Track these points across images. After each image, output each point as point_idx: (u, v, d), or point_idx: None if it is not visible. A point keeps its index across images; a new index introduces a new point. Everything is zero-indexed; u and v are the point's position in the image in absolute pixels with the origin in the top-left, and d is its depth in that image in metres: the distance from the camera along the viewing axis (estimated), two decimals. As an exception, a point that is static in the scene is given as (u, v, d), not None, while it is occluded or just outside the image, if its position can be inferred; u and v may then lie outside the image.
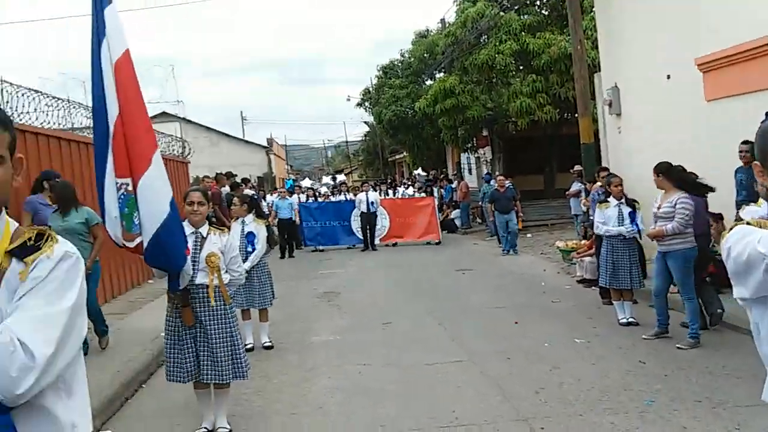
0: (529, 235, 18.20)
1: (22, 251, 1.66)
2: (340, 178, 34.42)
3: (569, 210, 16.30)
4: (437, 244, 18.51)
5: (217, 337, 4.93)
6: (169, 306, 5.04)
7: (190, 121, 36.54)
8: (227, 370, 4.96)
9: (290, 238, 18.14)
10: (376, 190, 20.88)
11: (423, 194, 21.14)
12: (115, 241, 4.60)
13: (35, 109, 8.87)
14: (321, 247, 18.77)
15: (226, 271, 5.16)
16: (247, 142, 42.73)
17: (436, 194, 22.14)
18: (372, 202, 18.21)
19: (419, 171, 29.28)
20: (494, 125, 23.43)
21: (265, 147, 42.94)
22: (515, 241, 15.85)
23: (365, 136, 50.95)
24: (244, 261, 7.49)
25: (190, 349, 4.95)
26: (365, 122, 47.67)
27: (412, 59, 31.32)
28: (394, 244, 18.77)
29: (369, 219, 18.21)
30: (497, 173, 20.21)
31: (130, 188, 4.48)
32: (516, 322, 8.41)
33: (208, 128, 39.44)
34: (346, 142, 67.03)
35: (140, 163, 4.45)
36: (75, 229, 6.80)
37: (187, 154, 18.04)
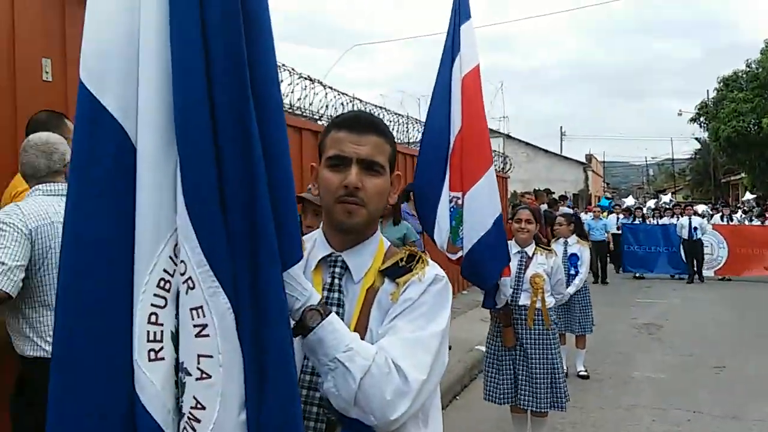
0: None
1: (395, 272, 1.66)
2: (665, 198, 32.08)
3: None
4: None
5: (538, 362, 4.77)
6: (491, 324, 5.02)
7: (509, 136, 37.11)
8: (545, 399, 4.76)
9: (602, 262, 16.46)
10: (704, 216, 18.75)
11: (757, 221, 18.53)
12: (440, 249, 4.71)
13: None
14: (641, 274, 17.18)
15: (551, 294, 4.98)
16: (564, 157, 42.07)
17: None
18: (695, 228, 16.26)
19: (747, 196, 25.97)
20: None
21: (582, 163, 41.84)
22: None
23: (695, 154, 46.92)
24: (567, 285, 7.26)
25: (509, 371, 4.86)
26: (696, 139, 43.92)
27: (761, 70, 27.95)
28: (728, 279, 16.32)
29: (693, 247, 16.26)
30: None
31: (460, 202, 4.56)
32: None
33: (526, 143, 39.65)
34: (672, 159, 62.54)
35: (472, 178, 4.51)
36: (392, 243, 6.68)
37: (508, 169, 18.27)
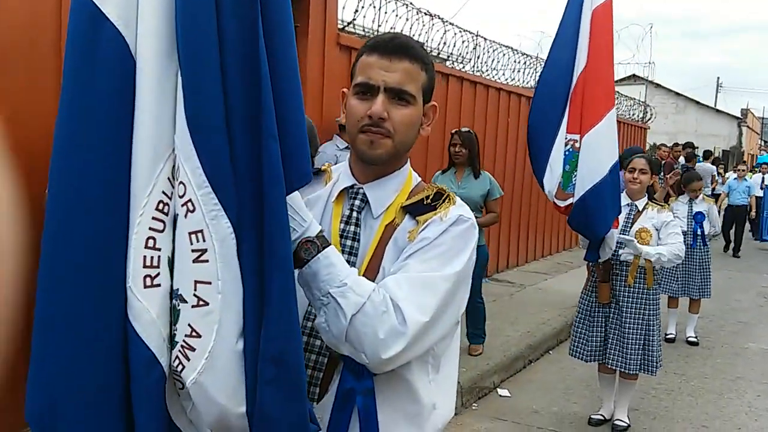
0: None
1: (417, 209, 1.57)
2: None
3: None
4: None
5: (632, 322, 4.51)
6: (588, 278, 4.79)
7: (658, 85, 34.88)
8: (635, 361, 4.51)
9: (738, 231, 13.48)
10: None
11: None
12: (547, 195, 4.49)
13: (504, 65, 9.28)
14: None
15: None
16: (717, 111, 39.11)
17: None
18: None
19: None
20: None
21: (737, 118, 38.76)
22: None
23: None
24: (693, 245, 6.83)
25: (600, 328, 4.64)
26: None
27: None
28: None
29: None
30: None
31: (577, 145, 4.31)
32: None
33: (676, 93, 37.22)
34: None
35: (592, 119, 4.25)
36: (472, 200, 5.25)
37: (648, 119, 17.16)
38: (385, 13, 6.89)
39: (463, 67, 8.45)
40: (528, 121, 4.59)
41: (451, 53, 8.29)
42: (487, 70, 8.92)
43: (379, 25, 6.83)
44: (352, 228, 1.58)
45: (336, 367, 1.51)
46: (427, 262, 1.47)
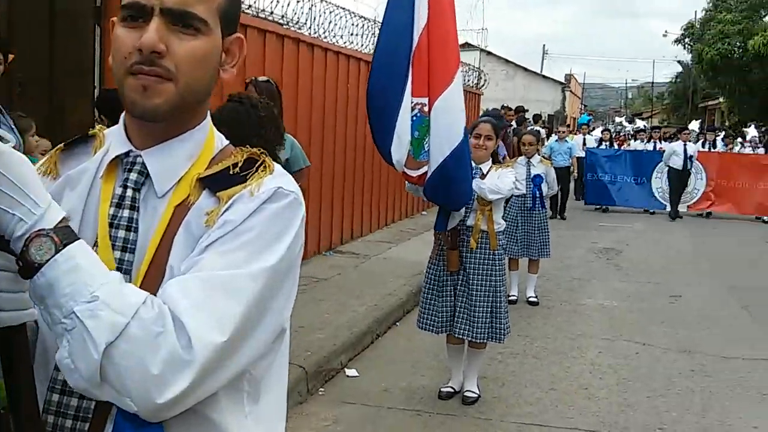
0: None
1: (220, 181, 1.09)
2: (640, 123, 31.48)
3: None
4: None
5: (479, 289, 4.36)
6: (435, 246, 4.57)
7: (489, 53, 36.11)
8: (483, 329, 4.38)
9: (562, 193, 12.85)
10: (699, 141, 16.00)
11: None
12: (395, 166, 4.16)
13: (342, 28, 8.85)
14: (605, 206, 15.04)
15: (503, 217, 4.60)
16: (543, 77, 41.33)
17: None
18: (691, 157, 14.02)
19: (752, 132, 24.03)
20: None
21: (561, 83, 41.18)
22: None
23: (676, 77, 46.23)
24: (532, 207, 6.88)
25: (449, 298, 4.45)
26: (679, 62, 43.20)
27: (753, -9, 27.11)
28: (708, 214, 14.59)
29: (682, 179, 14.09)
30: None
31: (426, 108, 4.01)
32: None
33: (506, 60, 38.81)
34: (652, 83, 61.89)
35: (441, 81, 3.96)
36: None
37: (482, 85, 17.50)
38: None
39: (299, 29, 7.96)
40: (367, 86, 4.22)
41: (285, 14, 7.78)
42: (324, 33, 8.49)
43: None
44: (126, 213, 1.09)
45: (108, 412, 1.02)
46: (229, 256, 1.01)
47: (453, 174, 4.00)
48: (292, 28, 7.90)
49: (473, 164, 4.45)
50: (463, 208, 4.32)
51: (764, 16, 26.29)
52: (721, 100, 33.79)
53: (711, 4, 29.39)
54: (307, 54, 7.89)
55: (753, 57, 22.41)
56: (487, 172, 4.48)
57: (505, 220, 6.94)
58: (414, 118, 4.05)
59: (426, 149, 4.04)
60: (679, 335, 6.06)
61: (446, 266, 4.43)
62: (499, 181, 4.42)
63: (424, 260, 4.64)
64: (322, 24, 8.44)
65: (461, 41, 32.30)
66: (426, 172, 4.05)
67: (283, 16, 7.72)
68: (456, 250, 4.40)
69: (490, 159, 4.57)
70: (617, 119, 34.02)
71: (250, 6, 7.09)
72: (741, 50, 24.97)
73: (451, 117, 3.98)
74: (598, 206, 15.05)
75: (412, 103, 4.04)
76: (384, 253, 8.68)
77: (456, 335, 4.45)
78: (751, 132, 18.54)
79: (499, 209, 4.62)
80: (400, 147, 4.05)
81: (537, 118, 17.46)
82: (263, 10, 7.42)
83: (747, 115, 28.03)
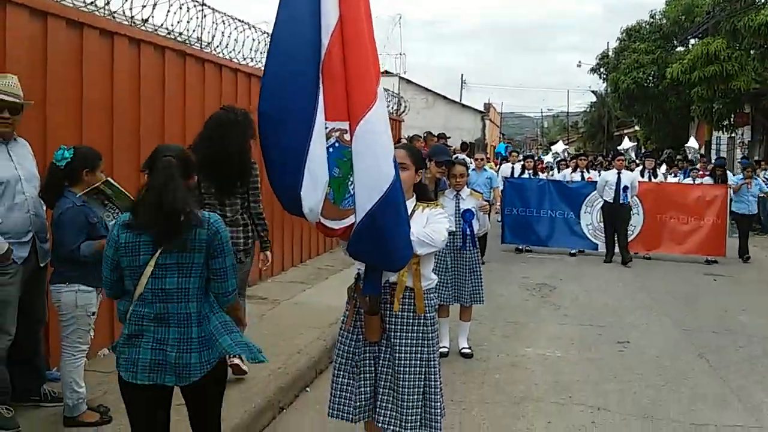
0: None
1: None
2: (557, 147, 31.41)
3: None
4: (714, 262, 11.82)
5: (407, 364, 3.36)
6: (349, 310, 3.52)
7: (409, 81, 35.69)
8: (413, 418, 3.35)
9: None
10: (633, 170, 13.22)
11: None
12: (306, 216, 3.00)
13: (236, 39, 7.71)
14: (528, 247, 12.69)
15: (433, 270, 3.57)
16: (463, 105, 41.29)
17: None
18: (626, 187, 11.54)
19: (626, 143, 23.63)
20: (762, 101, 19.45)
21: (481, 112, 41.23)
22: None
23: (591, 106, 47.22)
24: (462, 246, 5.96)
25: (368, 375, 3.42)
26: (593, 91, 44.16)
27: (664, 21, 27.73)
28: (647, 257, 12.16)
29: (619, 214, 11.59)
30: (757, 158, 16.69)
31: (347, 137, 2.94)
32: (814, 368, 5.99)
33: (426, 89, 38.52)
34: (567, 112, 63.37)
35: (363, 99, 2.90)
36: None
37: (402, 111, 16.68)
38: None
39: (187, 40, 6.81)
40: (259, 104, 2.96)
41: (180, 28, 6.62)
42: (218, 47, 7.36)
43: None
44: None
45: None
46: None
47: (387, 223, 2.94)
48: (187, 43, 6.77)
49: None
50: None
51: (677, 46, 26.78)
52: (637, 128, 34.40)
53: (625, 34, 29.89)
54: (197, 69, 6.76)
55: (669, 85, 22.54)
56: (412, 213, 3.46)
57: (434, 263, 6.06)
58: (331, 149, 2.95)
59: (351, 192, 2.95)
60: (637, 395, 5.19)
61: (364, 335, 3.41)
62: (431, 229, 3.40)
63: (342, 305, 3.59)
64: (223, 41, 7.33)
65: (381, 68, 31.95)
66: (353, 224, 2.99)
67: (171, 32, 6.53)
68: (377, 315, 3.37)
69: (414, 195, 3.58)
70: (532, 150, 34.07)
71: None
72: (656, 79, 25.26)
73: (380, 146, 2.92)
74: (518, 248, 12.64)
75: (326, 128, 2.94)
76: (297, 296, 7.57)
77: (379, 424, 3.40)
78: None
79: (429, 261, 3.55)
80: (314, 190, 2.92)
81: (465, 146, 16.67)
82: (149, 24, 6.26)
83: (664, 143, 28.46)
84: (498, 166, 16.36)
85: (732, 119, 20.99)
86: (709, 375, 5.76)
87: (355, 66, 2.92)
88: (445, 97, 40.12)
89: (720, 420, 4.73)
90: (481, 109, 42.25)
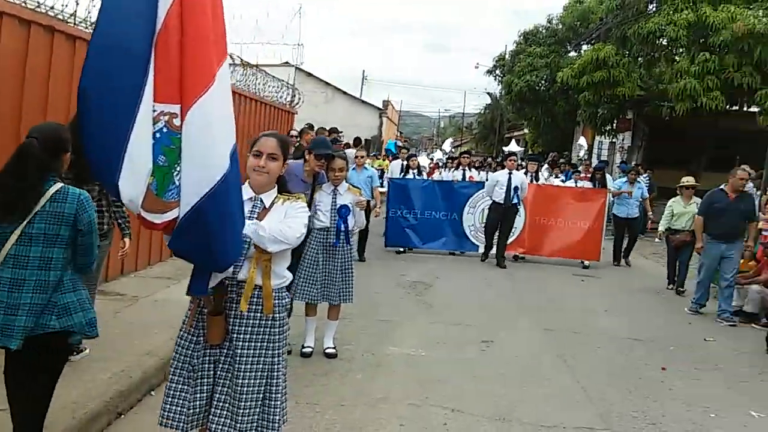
0: (657, 240, 13.00)
1: None
2: (445, 146, 31.76)
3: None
4: (586, 267, 11.97)
5: (248, 368, 3.17)
6: (190, 311, 3.27)
7: (309, 74, 35.24)
8: (248, 426, 3.15)
9: (362, 232, 10.20)
10: (521, 169, 12.76)
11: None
12: (127, 206, 2.74)
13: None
14: (410, 248, 12.38)
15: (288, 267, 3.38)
16: (363, 102, 41.22)
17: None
18: (516, 187, 11.39)
19: (513, 146, 24.31)
20: (645, 108, 20.34)
21: (379, 109, 41.31)
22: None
23: (485, 108, 48.35)
24: (336, 242, 5.77)
25: (205, 381, 3.19)
26: (488, 93, 45.19)
27: (561, 26, 28.58)
28: (521, 258, 12.30)
29: (505, 214, 11.47)
30: (634, 163, 17.50)
31: (177, 122, 2.67)
32: (663, 368, 6.24)
33: (326, 83, 38.19)
34: (463, 113, 64.64)
35: (200, 81, 2.64)
36: None
37: (296, 103, 16.26)
38: None
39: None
40: (80, 82, 2.60)
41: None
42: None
43: None
44: None
45: None
46: None
47: (213, 219, 2.71)
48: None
49: (253, 193, 3.27)
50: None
51: (570, 51, 27.69)
52: (526, 130, 35.46)
53: (522, 38, 30.64)
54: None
55: (559, 89, 23.30)
56: (271, 206, 3.29)
57: (304, 259, 5.83)
58: (158, 134, 2.67)
59: (177, 183, 2.70)
60: (494, 395, 5.20)
61: (205, 338, 3.18)
62: (285, 224, 3.21)
63: (182, 314, 3.35)
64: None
65: (279, 59, 31.24)
66: (176, 219, 2.73)
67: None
68: (220, 316, 3.15)
69: (275, 187, 3.38)
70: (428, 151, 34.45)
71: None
72: (548, 82, 26.03)
73: (214, 132, 2.68)
74: (400, 249, 12.29)
75: (154, 111, 2.65)
76: (158, 293, 7.19)
77: (212, 431, 3.18)
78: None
79: (285, 258, 3.34)
80: (134, 178, 2.62)
81: (357, 141, 16.61)
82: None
83: (551, 146, 29.45)
84: (389, 162, 16.43)
85: (615, 124, 21.93)
86: (565, 375, 5.87)
87: (192, 43, 2.65)
88: (344, 93, 39.95)
89: (570, 421, 4.80)
90: (380, 105, 42.38)
